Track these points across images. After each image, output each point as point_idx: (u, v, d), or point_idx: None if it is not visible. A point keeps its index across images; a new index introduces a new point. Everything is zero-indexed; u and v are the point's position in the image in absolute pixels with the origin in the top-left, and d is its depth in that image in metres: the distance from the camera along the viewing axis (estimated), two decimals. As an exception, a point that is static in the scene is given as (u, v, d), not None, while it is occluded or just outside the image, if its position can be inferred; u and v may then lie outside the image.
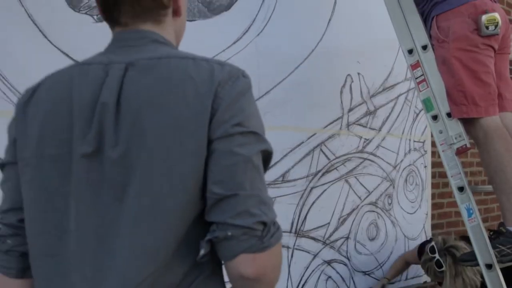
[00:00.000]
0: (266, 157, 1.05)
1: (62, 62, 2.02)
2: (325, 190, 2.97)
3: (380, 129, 3.34)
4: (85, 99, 1.02)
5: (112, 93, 1.00)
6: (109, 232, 0.98)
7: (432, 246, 2.84)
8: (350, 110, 3.14)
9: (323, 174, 2.97)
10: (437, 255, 2.80)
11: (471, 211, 2.35)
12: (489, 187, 2.44)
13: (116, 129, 0.99)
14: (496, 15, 2.27)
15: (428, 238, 3.45)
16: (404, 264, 3.27)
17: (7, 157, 1.11)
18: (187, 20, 2.41)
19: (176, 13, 1.19)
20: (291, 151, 2.80)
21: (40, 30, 1.99)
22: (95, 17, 2.13)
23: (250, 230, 0.95)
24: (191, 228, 0.98)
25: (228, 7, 2.57)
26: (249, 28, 2.63)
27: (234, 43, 2.56)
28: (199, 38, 2.43)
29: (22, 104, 1.10)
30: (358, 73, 3.20)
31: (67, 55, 2.05)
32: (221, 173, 0.97)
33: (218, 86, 1.00)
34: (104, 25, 2.16)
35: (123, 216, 0.97)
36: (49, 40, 2.01)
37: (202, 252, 0.98)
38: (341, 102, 3.10)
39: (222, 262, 1.01)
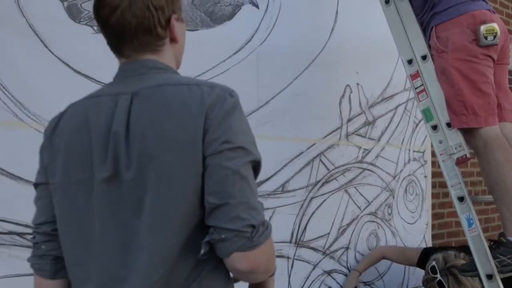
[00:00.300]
0: (255, 165, 1.20)
1: (63, 72, 2.04)
2: (324, 200, 2.97)
3: (379, 139, 3.34)
4: (100, 129, 1.19)
5: (121, 122, 1.17)
6: (129, 240, 1.17)
7: (433, 266, 2.81)
8: (349, 120, 3.14)
9: (322, 184, 2.97)
10: (438, 276, 2.78)
11: (471, 221, 2.34)
12: (489, 197, 2.44)
13: (128, 153, 1.16)
14: (495, 25, 2.28)
15: (430, 246, 3.44)
16: (380, 258, 3.21)
17: (41, 179, 1.30)
18: (190, 30, 2.44)
19: (174, 40, 1.33)
20: (290, 161, 2.80)
21: (41, 41, 2.00)
22: (95, 28, 2.14)
23: (241, 232, 1.11)
24: (195, 231, 1.16)
25: (230, 16, 2.58)
26: (252, 37, 2.64)
27: (236, 52, 2.56)
28: (202, 47, 2.44)
29: (49, 133, 1.29)
30: (357, 84, 3.21)
31: (68, 65, 2.05)
32: (214, 185, 1.14)
33: (208, 109, 1.16)
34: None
35: (141, 227, 1.15)
36: (50, 51, 2.01)
37: (202, 251, 1.15)
38: (340, 113, 3.10)
39: (201, 254, 1.17)
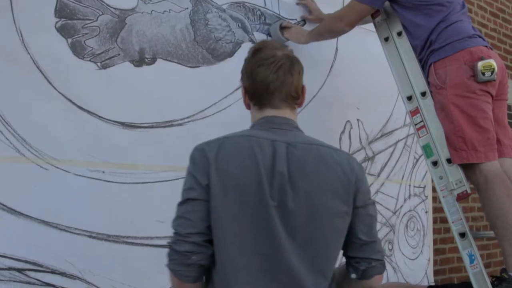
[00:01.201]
0: None
1: (66, 108, 2.06)
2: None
3: (378, 175, 3.35)
4: (267, 166, 1.48)
5: (283, 164, 1.49)
6: (278, 255, 1.48)
7: None
8: (349, 156, 3.15)
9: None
10: None
11: (473, 257, 2.33)
12: (490, 233, 2.42)
13: (292, 189, 1.48)
14: (492, 61, 2.30)
15: (433, 283, 3.41)
16: None
17: (199, 195, 1.48)
18: (192, 67, 2.48)
19: (301, 104, 1.69)
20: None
21: (44, 77, 2.02)
22: (98, 64, 2.17)
23: (381, 261, 1.63)
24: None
25: (231, 53, 2.62)
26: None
27: (237, 89, 2.59)
28: (203, 84, 2.47)
29: (213, 158, 1.50)
30: (358, 120, 3.22)
31: (71, 101, 2.07)
32: (365, 227, 1.60)
33: (357, 171, 1.58)
34: (107, 72, 2.21)
35: (295, 248, 1.49)
36: (53, 86, 2.03)
37: (354, 275, 1.62)
38: (340, 148, 3.11)
39: (353, 277, 1.62)
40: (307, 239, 1.49)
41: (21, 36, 1.98)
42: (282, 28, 2.82)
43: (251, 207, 1.47)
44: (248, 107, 1.70)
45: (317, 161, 1.53)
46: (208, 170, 1.49)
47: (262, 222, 1.47)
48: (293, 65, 1.62)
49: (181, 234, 1.48)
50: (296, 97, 1.63)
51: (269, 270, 1.48)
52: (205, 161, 1.50)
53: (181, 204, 1.52)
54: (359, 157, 3.22)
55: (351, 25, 2.65)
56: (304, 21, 2.98)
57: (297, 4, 2.99)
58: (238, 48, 2.65)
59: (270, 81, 1.58)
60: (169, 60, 2.37)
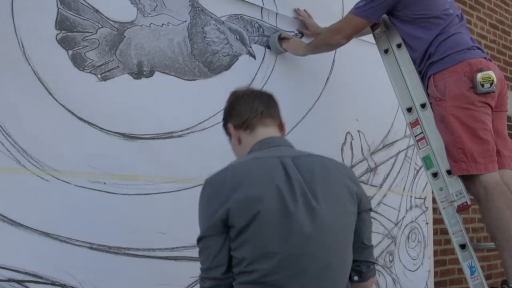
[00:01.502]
0: None
1: (66, 119, 2.06)
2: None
3: (381, 186, 3.35)
4: (282, 179, 1.57)
5: (295, 173, 1.60)
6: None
7: None
8: (352, 167, 3.15)
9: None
10: None
11: (473, 269, 2.33)
12: (491, 244, 2.42)
13: (312, 192, 1.58)
14: (491, 73, 2.31)
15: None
16: None
17: (213, 232, 1.56)
18: (189, 80, 2.49)
19: (283, 133, 1.83)
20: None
21: (45, 88, 2.03)
22: (98, 76, 2.18)
23: (375, 264, 1.81)
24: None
25: (228, 67, 2.63)
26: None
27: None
28: (200, 97, 2.48)
29: (227, 185, 1.57)
30: (358, 131, 3.23)
31: (72, 113, 2.08)
32: (368, 232, 1.77)
33: (355, 179, 1.73)
34: (107, 84, 2.22)
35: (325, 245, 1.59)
36: (54, 98, 2.04)
37: (357, 278, 1.74)
38: (342, 160, 3.11)
39: (356, 280, 1.75)
40: (336, 234, 1.60)
41: (22, 47, 1.99)
42: (281, 39, 2.83)
43: (278, 212, 1.53)
44: (239, 141, 1.78)
45: (323, 169, 1.65)
46: (223, 201, 1.54)
47: (289, 225, 1.53)
48: (271, 95, 1.84)
49: (203, 269, 1.60)
50: (280, 123, 1.81)
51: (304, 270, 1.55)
52: (218, 193, 1.57)
53: (200, 240, 1.61)
54: (362, 168, 3.22)
55: (348, 38, 2.66)
56: (301, 33, 2.99)
57: (295, 18, 3.00)
58: (236, 60, 2.67)
59: (256, 105, 1.76)
60: (167, 73, 2.38)
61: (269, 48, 2.83)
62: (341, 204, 1.62)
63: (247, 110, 1.75)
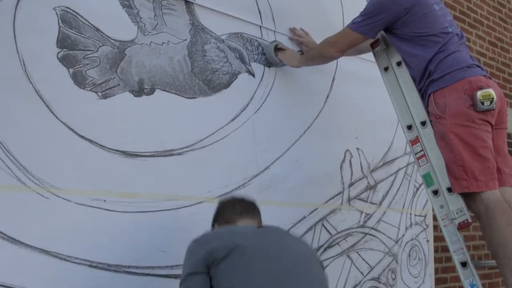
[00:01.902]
0: None
1: (67, 137, 2.07)
2: (327, 266, 2.94)
3: (380, 204, 3.34)
4: (253, 231, 1.92)
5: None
6: None
7: None
8: (351, 185, 3.15)
9: (325, 249, 2.95)
10: None
11: (475, 287, 2.32)
12: (492, 262, 2.41)
13: (286, 256, 1.83)
14: (491, 90, 2.31)
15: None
16: None
17: (199, 269, 1.75)
18: (189, 98, 2.50)
19: None
20: (293, 226, 2.79)
21: (46, 106, 2.03)
22: (99, 93, 2.18)
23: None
24: None
25: (227, 85, 2.64)
26: (247, 105, 2.69)
27: (233, 120, 2.61)
28: (200, 115, 2.48)
29: (208, 241, 1.81)
30: (357, 148, 3.23)
31: (72, 130, 2.08)
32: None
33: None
34: (108, 102, 2.22)
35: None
36: (55, 115, 2.04)
37: None
38: (342, 177, 3.11)
39: None
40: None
41: (24, 65, 2.00)
42: (277, 50, 2.84)
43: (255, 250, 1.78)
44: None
45: (287, 235, 2.06)
46: (206, 246, 1.77)
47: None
48: (252, 202, 2.10)
49: None
50: (259, 222, 2.07)
51: None
52: (202, 243, 1.81)
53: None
54: (361, 186, 3.22)
55: (342, 52, 2.67)
56: (301, 51, 3.01)
57: (290, 39, 3.01)
58: (235, 79, 2.68)
59: (238, 208, 2.05)
60: (167, 91, 2.39)
61: (268, 66, 2.84)
62: (313, 265, 1.90)
63: (230, 212, 2.04)
